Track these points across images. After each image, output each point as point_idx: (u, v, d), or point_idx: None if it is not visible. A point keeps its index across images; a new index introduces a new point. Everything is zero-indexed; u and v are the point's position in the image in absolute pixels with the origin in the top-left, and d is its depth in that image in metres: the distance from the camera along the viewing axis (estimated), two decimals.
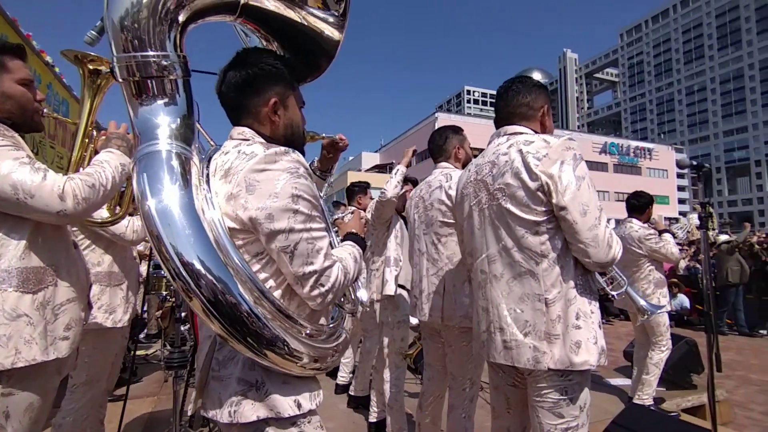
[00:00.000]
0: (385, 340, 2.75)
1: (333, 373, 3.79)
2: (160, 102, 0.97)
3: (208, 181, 0.99)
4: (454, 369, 2.05)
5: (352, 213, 1.39)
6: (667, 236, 3.43)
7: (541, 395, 1.35)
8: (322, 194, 1.55)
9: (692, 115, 78.27)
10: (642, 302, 2.92)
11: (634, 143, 47.65)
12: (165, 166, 0.93)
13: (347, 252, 1.14)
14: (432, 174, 2.19)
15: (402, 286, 2.75)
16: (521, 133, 1.45)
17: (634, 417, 2.58)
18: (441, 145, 2.18)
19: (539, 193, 1.30)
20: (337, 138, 1.51)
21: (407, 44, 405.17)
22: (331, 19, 1.16)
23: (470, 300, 1.91)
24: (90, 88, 1.51)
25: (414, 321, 2.95)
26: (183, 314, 2.42)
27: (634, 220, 3.55)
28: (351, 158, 50.30)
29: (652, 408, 3.22)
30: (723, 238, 8.31)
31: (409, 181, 2.97)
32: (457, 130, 2.23)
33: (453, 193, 1.94)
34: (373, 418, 2.91)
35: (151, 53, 0.94)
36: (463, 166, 2.17)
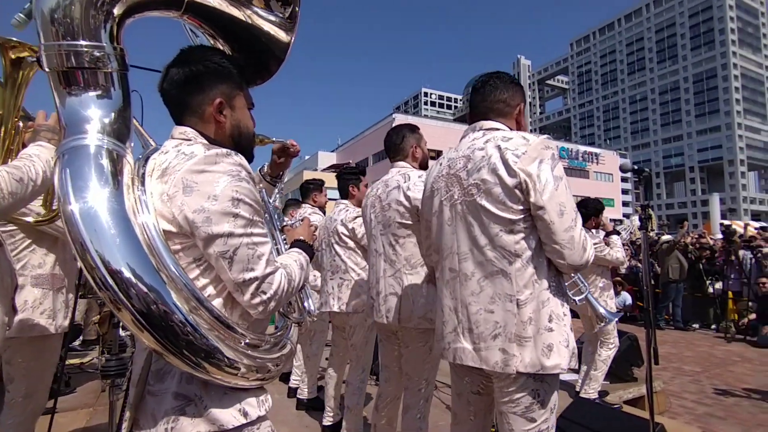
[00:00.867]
0: (355, 342, 2.71)
1: (286, 378, 3.74)
2: (91, 94, 0.91)
3: (143, 182, 0.94)
4: (409, 369, 2.05)
5: (302, 220, 1.36)
6: (614, 239, 3.60)
7: (513, 400, 1.32)
8: (271, 200, 1.51)
9: (635, 122, 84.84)
10: (601, 310, 3.07)
11: (582, 148, 50.92)
12: (93, 163, 0.87)
13: (293, 259, 1.11)
14: (389, 173, 2.17)
15: None
16: (498, 129, 1.43)
17: (581, 410, 2.75)
18: (398, 144, 2.16)
19: (516, 191, 1.28)
20: (288, 143, 1.47)
21: (365, 43, 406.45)
22: (276, 20, 1.15)
23: (427, 301, 1.92)
24: (12, 77, 1.41)
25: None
26: None
27: None
28: (307, 157, 49.63)
29: (597, 401, 3.43)
30: (666, 237, 9.06)
31: (360, 173, 2.93)
32: (413, 128, 2.22)
33: (411, 194, 1.95)
34: (327, 422, 2.89)
35: (83, 43, 0.88)
36: (421, 166, 2.17)
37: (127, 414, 0.98)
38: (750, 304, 7.56)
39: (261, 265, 0.94)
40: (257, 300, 0.94)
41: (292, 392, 3.59)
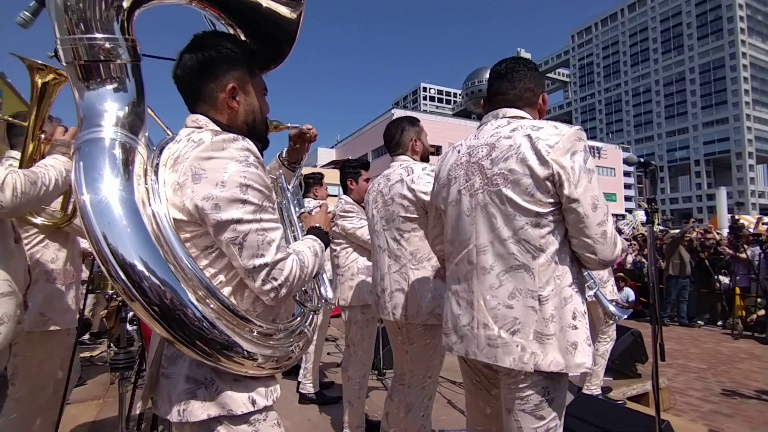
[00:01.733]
0: (352, 337, 2.73)
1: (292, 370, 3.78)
2: (108, 87, 0.94)
3: (156, 172, 0.96)
4: (413, 366, 2.02)
5: (320, 206, 1.34)
6: None
7: (522, 397, 1.30)
8: (290, 186, 1.52)
9: (638, 115, 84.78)
10: (611, 308, 3.05)
11: None
12: (106, 154, 0.90)
13: (306, 245, 1.12)
14: (390, 167, 2.15)
15: None
16: (523, 118, 1.39)
17: (584, 406, 2.76)
18: (397, 138, 2.15)
19: (548, 183, 1.24)
20: (304, 128, 1.48)
21: (363, 39, 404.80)
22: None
23: (434, 296, 1.91)
24: (39, 96, 1.61)
25: None
26: (131, 314, 2.32)
27: None
28: (307, 154, 49.56)
29: (600, 397, 3.45)
30: (675, 232, 9.05)
31: (361, 167, 2.91)
32: (413, 121, 2.20)
33: (416, 186, 1.94)
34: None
35: (96, 35, 0.91)
36: (422, 159, 2.15)
37: (143, 394, 1.03)
38: (759, 300, 7.56)
39: (271, 251, 0.95)
40: (268, 286, 0.95)
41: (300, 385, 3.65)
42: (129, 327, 2.33)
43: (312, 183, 3.67)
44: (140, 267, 0.84)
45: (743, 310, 7.81)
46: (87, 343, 4.99)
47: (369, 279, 2.60)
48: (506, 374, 1.33)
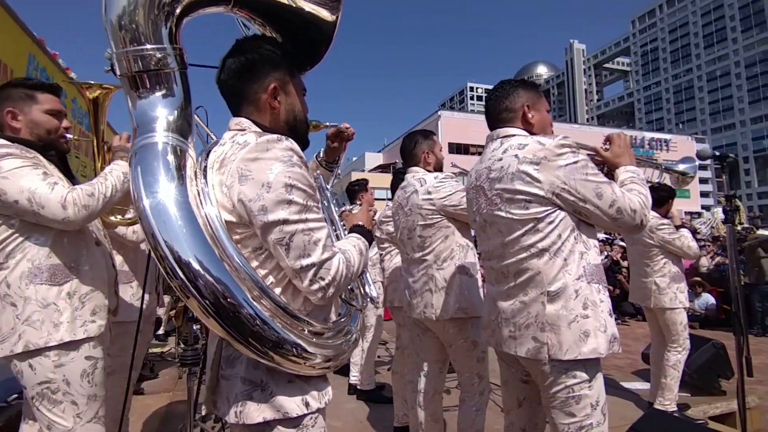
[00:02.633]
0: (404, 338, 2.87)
1: (344, 371, 3.90)
2: (157, 94, 1.00)
3: (205, 175, 1.01)
4: (459, 366, 2.17)
5: (361, 204, 1.40)
6: (684, 232, 3.35)
7: (550, 393, 1.41)
8: (329, 186, 1.55)
9: (714, 102, 77.59)
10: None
11: (648, 135, 47.50)
12: (161, 159, 0.95)
13: (351, 244, 1.13)
14: (405, 179, 2.32)
15: None
16: (513, 135, 1.53)
17: (656, 423, 2.52)
18: (410, 150, 2.31)
19: (543, 196, 1.37)
20: (342, 127, 1.51)
21: (408, 42, 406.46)
22: (321, 0, 1.19)
23: (460, 291, 2.07)
24: (93, 110, 1.84)
25: None
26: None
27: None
28: (354, 159, 50.49)
29: (675, 414, 3.16)
30: (763, 232, 8.12)
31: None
32: (427, 134, 2.35)
33: (435, 195, 2.10)
34: (397, 423, 2.97)
35: (147, 47, 0.98)
36: (435, 170, 2.30)
37: (206, 396, 1.07)
38: None
39: (317, 251, 0.97)
40: (316, 286, 0.97)
41: (351, 388, 3.75)
42: (194, 326, 2.53)
43: (357, 190, 3.76)
44: (195, 265, 0.88)
45: None
46: (158, 340, 5.50)
47: None
48: (531, 368, 1.46)
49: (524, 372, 1.57)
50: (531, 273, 1.42)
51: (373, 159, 47.32)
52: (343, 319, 1.15)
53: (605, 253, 8.81)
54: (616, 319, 1.42)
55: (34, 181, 1.41)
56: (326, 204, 1.40)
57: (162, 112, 1.00)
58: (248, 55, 1.08)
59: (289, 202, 0.94)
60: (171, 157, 0.96)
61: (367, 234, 1.23)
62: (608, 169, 1.61)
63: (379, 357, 4.77)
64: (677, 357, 3.32)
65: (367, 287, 1.32)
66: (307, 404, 0.99)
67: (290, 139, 1.02)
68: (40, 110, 1.59)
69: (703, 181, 54.75)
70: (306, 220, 0.96)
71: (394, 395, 3.06)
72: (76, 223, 1.47)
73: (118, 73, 1.00)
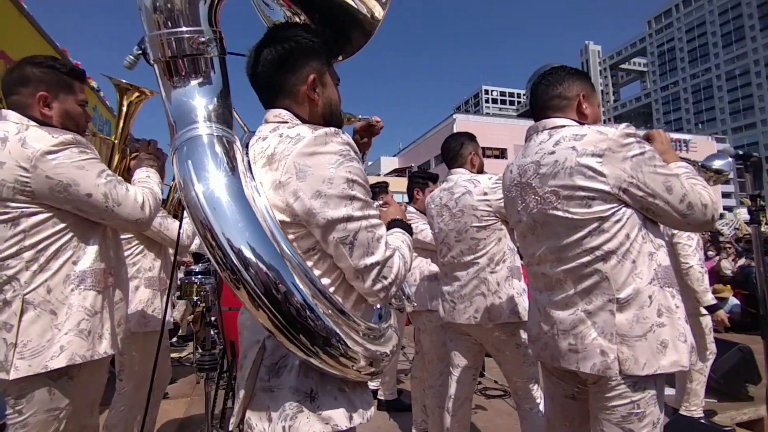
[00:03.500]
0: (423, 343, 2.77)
1: None
2: (194, 82, 0.93)
3: (250, 169, 0.95)
4: (514, 375, 2.10)
5: (385, 203, 1.31)
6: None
7: (609, 407, 1.24)
8: None
9: (734, 101, 75.37)
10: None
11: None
12: (208, 151, 0.90)
13: (401, 240, 1.07)
14: (449, 181, 2.22)
15: None
16: (563, 126, 1.36)
17: (682, 430, 2.45)
18: (457, 150, 2.23)
19: (608, 192, 1.22)
20: (373, 120, 1.45)
21: (422, 46, 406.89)
22: None
23: (512, 295, 2.00)
24: (124, 112, 1.83)
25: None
26: (213, 318, 2.54)
27: None
28: (370, 163, 50.62)
29: (702, 421, 3.05)
30: None
31: (431, 179, 2.98)
32: (471, 136, 2.29)
33: (491, 196, 2.02)
34: (416, 429, 2.92)
35: (184, 29, 0.91)
36: (478, 172, 2.24)
37: (236, 409, 0.99)
38: None
39: (381, 249, 0.92)
40: (379, 286, 0.92)
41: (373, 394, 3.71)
42: (212, 332, 2.52)
43: (378, 192, 3.76)
44: (248, 253, 0.83)
45: None
46: (175, 345, 5.52)
47: (432, 284, 2.69)
48: (593, 383, 1.29)
49: (576, 387, 1.42)
50: (596, 279, 1.25)
51: (389, 163, 47.37)
52: (386, 323, 1.08)
53: None
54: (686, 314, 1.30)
55: (109, 177, 1.31)
56: None
57: (200, 102, 0.92)
58: (285, 44, 1.00)
59: (352, 198, 0.89)
60: (219, 149, 0.90)
61: (408, 228, 1.16)
62: None
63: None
64: (704, 362, 3.23)
65: (405, 286, 1.26)
66: (350, 418, 0.94)
67: (345, 132, 0.95)
68: (75, 101, 1.44)
69: (725, 181, 52.97)
70: (368, 217, 0.91)
71: (412, 401, 2.99)
72: (149, 225, 1.43)
73: (151, 60, 0.93)
